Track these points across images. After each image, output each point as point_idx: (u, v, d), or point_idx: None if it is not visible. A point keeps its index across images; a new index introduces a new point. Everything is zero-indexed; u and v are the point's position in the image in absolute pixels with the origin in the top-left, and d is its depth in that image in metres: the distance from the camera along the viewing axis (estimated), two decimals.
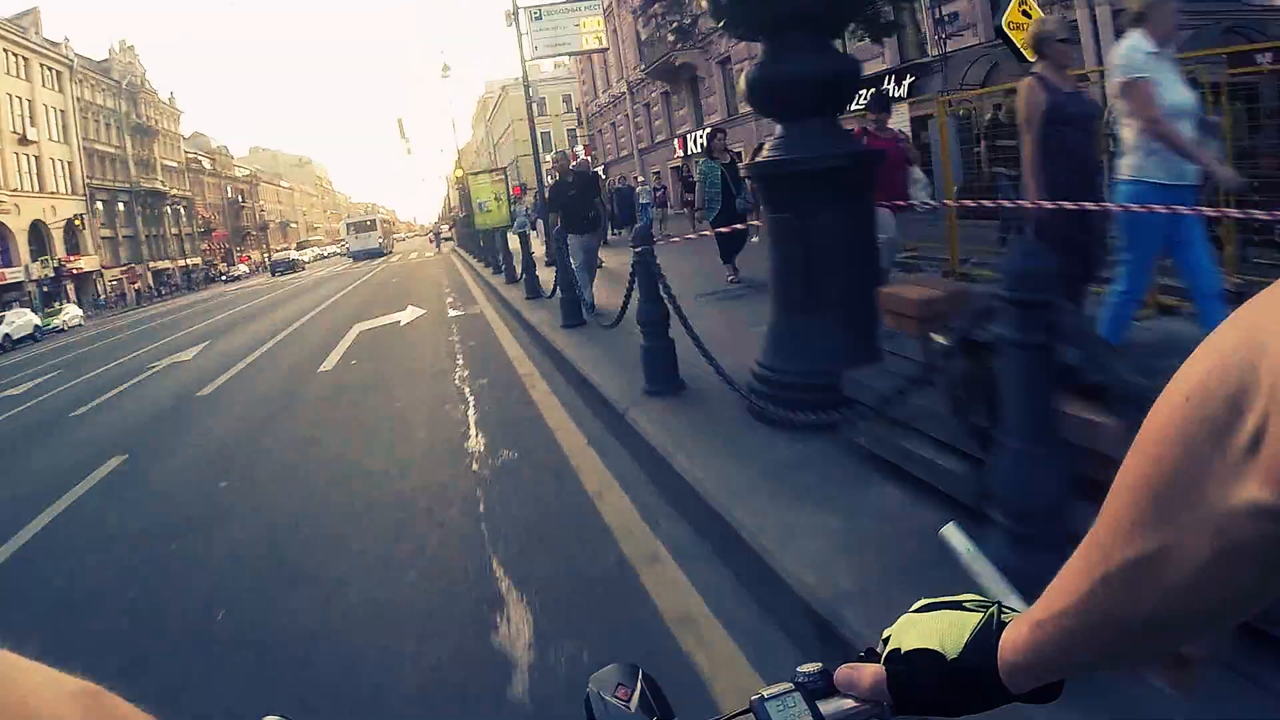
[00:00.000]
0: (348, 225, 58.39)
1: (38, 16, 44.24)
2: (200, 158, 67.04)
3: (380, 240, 53.71)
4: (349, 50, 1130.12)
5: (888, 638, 0.55)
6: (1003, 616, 0.51)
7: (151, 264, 53.45)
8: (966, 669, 0.50)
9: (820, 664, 0.58)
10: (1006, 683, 0.49)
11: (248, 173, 79.76)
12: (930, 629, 0.52)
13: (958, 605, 0.53)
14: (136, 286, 48.50)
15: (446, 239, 48.37)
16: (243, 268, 63.16)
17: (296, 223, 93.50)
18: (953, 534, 0.63)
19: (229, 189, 72.37)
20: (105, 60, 53.08)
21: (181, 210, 61.56)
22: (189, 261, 60.98)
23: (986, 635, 0.50)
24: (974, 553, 0.61)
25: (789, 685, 0.56)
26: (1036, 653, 0.46)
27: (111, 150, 51.73)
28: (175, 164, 61.19)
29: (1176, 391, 0.34)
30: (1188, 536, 0.34)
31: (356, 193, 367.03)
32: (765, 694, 0.55)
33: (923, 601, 0.56)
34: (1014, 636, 0.48)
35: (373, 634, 2.68)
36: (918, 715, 0.53)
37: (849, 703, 0.55)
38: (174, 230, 59.51)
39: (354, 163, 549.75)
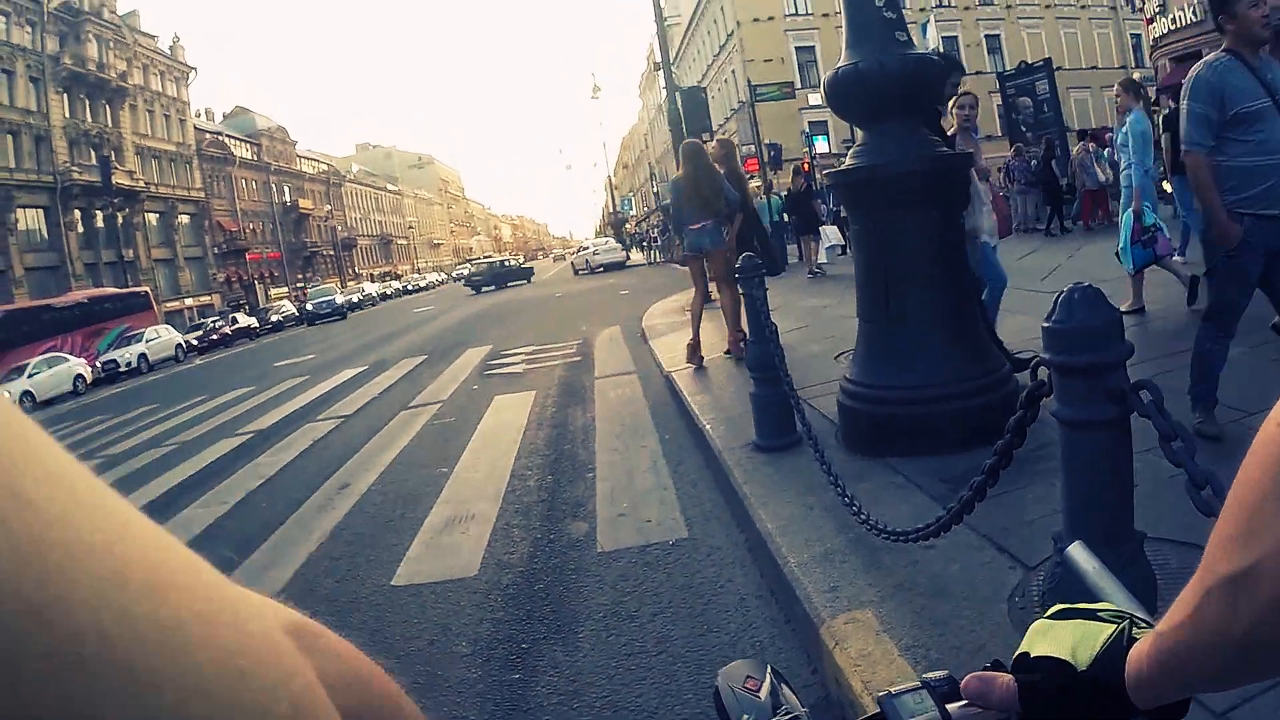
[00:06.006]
0: None
1: None
2: (229, 140, 44.57)
3: None
4: (509, 70, 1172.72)
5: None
6: (1135, 631, 0.49)
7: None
8: (1095, 681, 0.48)
9: (947, 671, 0.56)
10: (1132, 697, 0.47)
11: (323, 168, 57.24)
12: (1063, 637, 0.51)
13: (1092, 615, 0.51)
14: None
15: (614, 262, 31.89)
16: (288, 307, 39.35)
17: (404, 239, 70.28)
18: (1079, 553, 0.60)
19: (286, 189, 49.94)
20: None
21: (185, 220, 39.30)
22: (199, 300, 38.79)
23: (1117, 648, 0.48)
24: (1101, 571, 0.58)
25: (916, 683, 0.55)
26: (1158, 666, 0.45)
27: (15, 118, 29.72)
28: (171, 149, 39.05)
29: (1273, 420, 0.35)
30: (1278, 556, 0.34)
31: (497, 204, 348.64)
32: (893, 690, 0.54)
33: (1058, 607, 0.53)
34: (1140, 650, 0.47)
35: None
36: None
37: (976, 709, 0.53)
38: (163, 254, 37.23)
39: (503, 177, 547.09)
